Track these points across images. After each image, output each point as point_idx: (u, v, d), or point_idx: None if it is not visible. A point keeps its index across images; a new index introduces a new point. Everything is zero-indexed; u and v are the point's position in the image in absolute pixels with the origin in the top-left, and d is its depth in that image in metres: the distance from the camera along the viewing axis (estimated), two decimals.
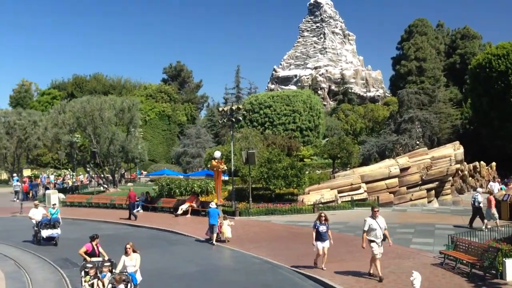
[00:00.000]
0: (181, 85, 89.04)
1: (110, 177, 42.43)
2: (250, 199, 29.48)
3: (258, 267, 17.39)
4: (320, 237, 15.88)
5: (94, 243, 14.24)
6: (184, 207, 30.11)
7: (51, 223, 22.22)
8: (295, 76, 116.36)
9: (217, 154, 29.13)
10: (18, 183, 49.63)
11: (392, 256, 17.65)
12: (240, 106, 29.69)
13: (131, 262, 12.89)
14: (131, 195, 30.17)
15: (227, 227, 21.67)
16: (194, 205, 30.29)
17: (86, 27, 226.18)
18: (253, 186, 34.25)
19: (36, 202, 24.11)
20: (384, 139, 55.12)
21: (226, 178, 31.53)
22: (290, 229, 24.99)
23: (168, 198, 33.21)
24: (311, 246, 16.42)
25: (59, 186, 43.06)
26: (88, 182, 47.34)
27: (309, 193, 33.19)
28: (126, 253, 12.98)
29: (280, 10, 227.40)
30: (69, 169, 58.78)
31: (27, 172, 39.14)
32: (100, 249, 14.44)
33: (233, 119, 29.59)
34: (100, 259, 13.86)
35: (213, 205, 22.15)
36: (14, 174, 52.13)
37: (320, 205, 30.83)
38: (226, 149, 40.30)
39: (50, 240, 21.98)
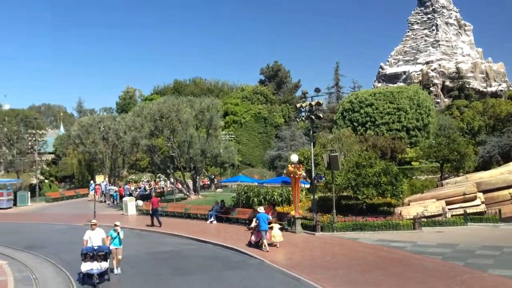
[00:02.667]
0: (278, 86, 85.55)
1: (192, 183, 39.93)
2: (334, 211, 24.64)
3: None
4: None
5: None
6: None
7: (96, 253, 16.03)
8: (404, 72, 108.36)
9: (294, 158, 24.84)
10: (113, 187, 49.47)
11: None
12: (320, 101, 24.96)
13: None
14: (154, 201, 29.48)
15: (277, 231, 21.26)
16: (270, 217, 26.05)
17: (185, 34, 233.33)
18: (344, 194, 29.38)
19: (94, 221, 17.49)
20: (508, 139, 46.66)
21: (307, 185, 27.13)
22: (378, 251, 19.83)
23: (244, 208, 29.39)
24: (402, 281, 11.35)
25: (142, 192, 41.46)
26: (169, 189, 45.45)
27: (409, 204, 27.61)
28: None
29: (385, 2, 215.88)
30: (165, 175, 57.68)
31: (99, 179, 37.91)
32: None
33: (313, 116, 25.02)
34: None
35: (261, 209, 21.95)
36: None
37: (423, 219, 25.13)
38: (315, 151, 35.82)
39: (89, 277, 15.78)
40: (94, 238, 16.68)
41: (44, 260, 20.66)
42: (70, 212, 40.02)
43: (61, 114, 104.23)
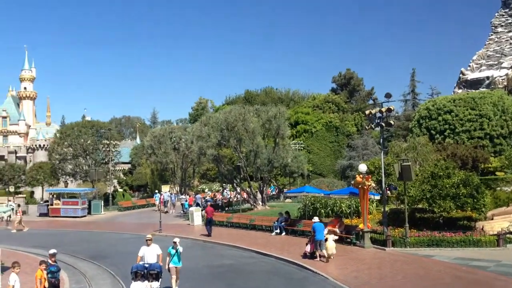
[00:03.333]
0: (351, 94, 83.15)
1: (259, 194, 39.03)
2: (406, 225, 22.67)
3: None
4: None
5: None
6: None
7: (147, 272, 14.76)
8: (487, 78, 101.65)
9: (362, 167, 23.21)
10: (184, 196, 49.79)
11: None
12: (391, 107, 23.13)
13: None
14: (208, 211, 30.21)
15: (331, 243, 20.28)
16: (337, 230, 24.56)
17: (257, 43, 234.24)
18: (418, 207, 27.18)
19: (149, 236, 16.06)
20: None
21: (377, 197, 25.32)
22: (457, 271, 17.78)
23: (310, 220, 27.89)
24: None
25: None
26: (235, 199, 44.84)
27: (493, 219, 25.05)
28: None
29: (466, 5, 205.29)
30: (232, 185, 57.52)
31: (165, 189, 38.03)
32: None
33: (383, 123, 23.29)
34: None
35: (316, 219, 21.73)
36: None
37: (509, 235, 22.55)
38: (387, 160, 33.81)
39: None
40: (149, 254, 15.32)
41: (105, 271, 20.50)
42: (138, 222, 40.49)
43: (138, 125, 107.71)
